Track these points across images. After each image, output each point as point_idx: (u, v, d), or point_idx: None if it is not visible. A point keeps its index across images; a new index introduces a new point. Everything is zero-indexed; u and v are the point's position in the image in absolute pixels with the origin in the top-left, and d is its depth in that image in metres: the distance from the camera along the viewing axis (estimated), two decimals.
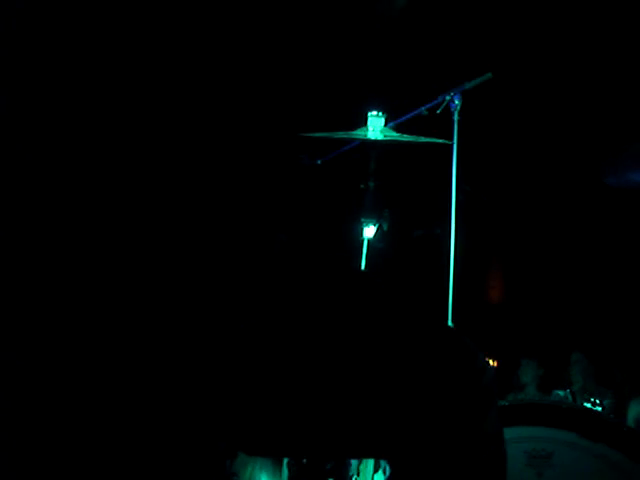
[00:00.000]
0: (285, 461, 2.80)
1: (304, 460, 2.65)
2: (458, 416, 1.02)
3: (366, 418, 1.02)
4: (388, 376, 1.03)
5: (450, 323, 2.80)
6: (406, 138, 2.78)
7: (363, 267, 2.80)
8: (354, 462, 2.59)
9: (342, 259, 1.14)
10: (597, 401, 2.85)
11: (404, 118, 2.98)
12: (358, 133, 2.74)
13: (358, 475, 2.56)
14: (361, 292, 1.09)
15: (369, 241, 2.81)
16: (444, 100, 2.95)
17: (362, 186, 2.83)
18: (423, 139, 2.78)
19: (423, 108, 2.97)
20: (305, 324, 1.02)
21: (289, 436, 1.05)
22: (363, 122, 2.73)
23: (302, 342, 1.01)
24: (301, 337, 1.01)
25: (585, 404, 2.90)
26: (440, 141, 2.87)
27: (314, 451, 1.21)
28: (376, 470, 2.56)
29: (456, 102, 2.94)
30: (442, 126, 2.95)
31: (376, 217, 2.81)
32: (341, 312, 1.05)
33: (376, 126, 2.71)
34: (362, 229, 2.80)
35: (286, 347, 1.01)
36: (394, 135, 2.78)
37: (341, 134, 2.76)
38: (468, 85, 2.97)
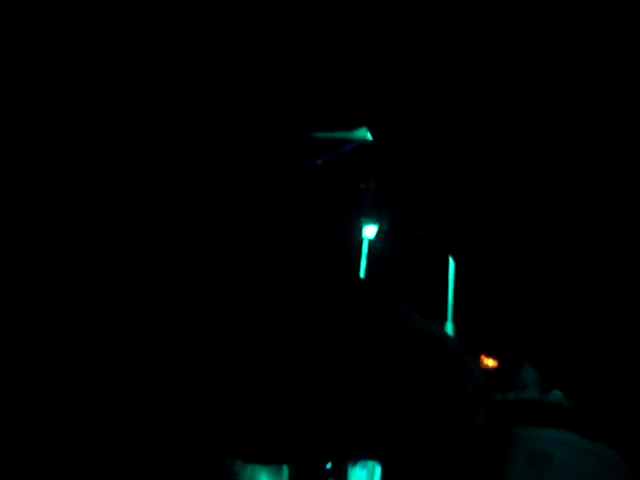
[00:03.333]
0: None
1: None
2: (444, 416, 1.04)
3: (357, 421, 1.04)
4: (375, 380, 1.04)
5: (450, 323, 2.81)
6: None
7: (364, 267, 2.80)
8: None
9: (338, 262, 1.14)
10: None
11: None
12: (358, 133, 2.74)
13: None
14: (351, 296, 1.10)
15: (369, 241, 2.81)
16: None
17: (362, 186, 2.83)
18: None
19: None
20: (299, 331, 1.03)
21: (283, 444, 1.06)
22: None
23: (295, 347, 1.02)
24: (295, 342, 1.02)
25: None
26: None
27: (308, 457, 1.22)
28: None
29: None
30: None
31: (376, 217, 2.82)
32: (330, 317, 1.06)
33: None
34: (362, 229, 2.80)
35: (280, 352, 1.01)
36: None
37: (341, 134, 2.77)
38: None
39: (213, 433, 1.05)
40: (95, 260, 0.98)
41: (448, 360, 1.08)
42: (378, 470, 2.53)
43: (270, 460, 1.36)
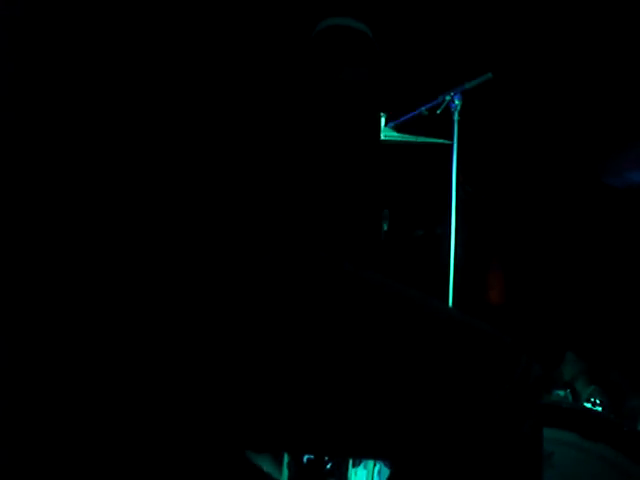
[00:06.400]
0: (285, 461, 2.80)
1: (304, 460, 2.65)
2: (495, 417, 0.99)
3: (382, 415, 1.00)
4: (411, 373, 1.00)
5: None
6: (406, 138, 2.78)
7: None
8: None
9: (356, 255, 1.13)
10: (597, 401, 2.85)
11: (404, 118, 2.98)
12: None
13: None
14: (371, 286, 1.07)
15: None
16: (444, 100, 2.95)
17: None
18: (423, 139, 2.78)
19: (423, 108, 2.97)
20: (311, 317, 1.02)
21: (294, 431, 1.04)
22: None
23: (310, 335, 1.01)
24: (309, 330, 1.01)
25: (585, 404, 2.90)
26: (440, 141, 2.87)
27: (324, 446, 1.19)
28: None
29: (456, 102, 2.94)
30: (442, 126, 2.96)
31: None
32: (349, 306, 1.04)
33: None
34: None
35: (291, 341, 1.01)
36: (394, 135, 2.78)
37: None
38: (468, 85, 2.97)
39: (220, 425, 1.04)
40: (95, 260, 0.98)
41: (492, 357, 1.02)
42: (378, 470, 2.53)
43: (280, 448, 1.33)
